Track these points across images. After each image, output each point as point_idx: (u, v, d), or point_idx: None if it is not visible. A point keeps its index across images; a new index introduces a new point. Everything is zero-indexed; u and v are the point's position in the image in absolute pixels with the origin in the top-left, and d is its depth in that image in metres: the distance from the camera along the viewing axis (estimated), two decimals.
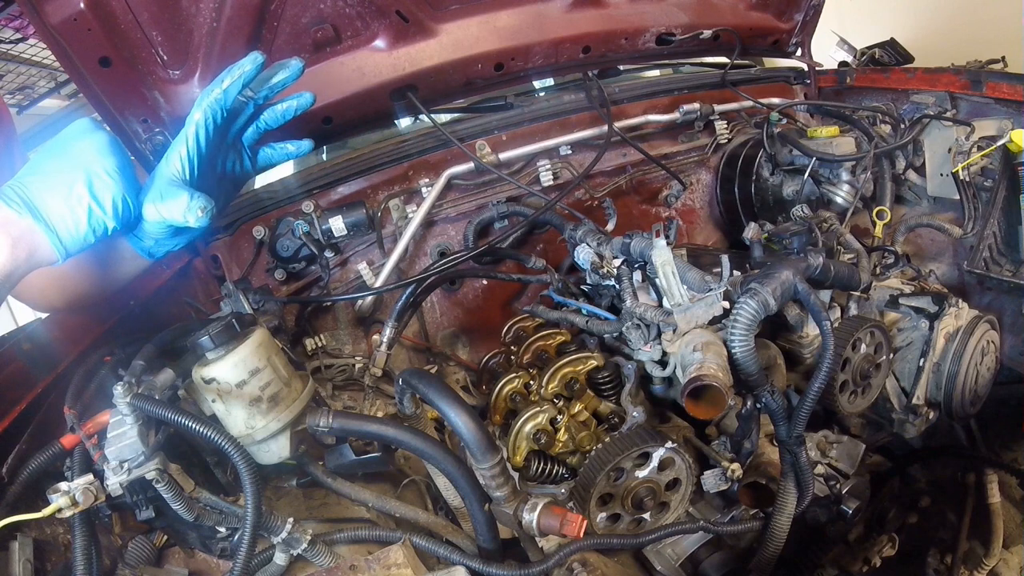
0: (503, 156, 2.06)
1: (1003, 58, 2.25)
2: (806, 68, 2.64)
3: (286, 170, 2.21)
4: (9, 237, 0.90)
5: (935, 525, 1.80)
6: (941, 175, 2.17)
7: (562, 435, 1.51)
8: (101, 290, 1.24)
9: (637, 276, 1.55)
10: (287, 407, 1.17)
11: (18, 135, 1.32)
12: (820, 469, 1.57)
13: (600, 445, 1.42)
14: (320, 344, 1.84)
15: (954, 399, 1.76)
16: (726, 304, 1.40)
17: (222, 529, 1.11)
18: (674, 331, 1.41)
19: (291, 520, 1.08)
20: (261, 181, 2.13)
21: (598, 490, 1.37)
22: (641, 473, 1.40)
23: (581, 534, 1.14)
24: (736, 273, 1.44)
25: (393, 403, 1.57)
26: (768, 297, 1.37)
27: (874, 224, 2.08)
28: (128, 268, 1.19)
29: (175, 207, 0.99)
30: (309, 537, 1.10)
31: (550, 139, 2.13)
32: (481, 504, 1.21)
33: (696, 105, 2.31)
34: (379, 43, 1.87)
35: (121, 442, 0.97)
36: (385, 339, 1.72)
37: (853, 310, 1.76)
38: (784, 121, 2.30)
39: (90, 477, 0.94)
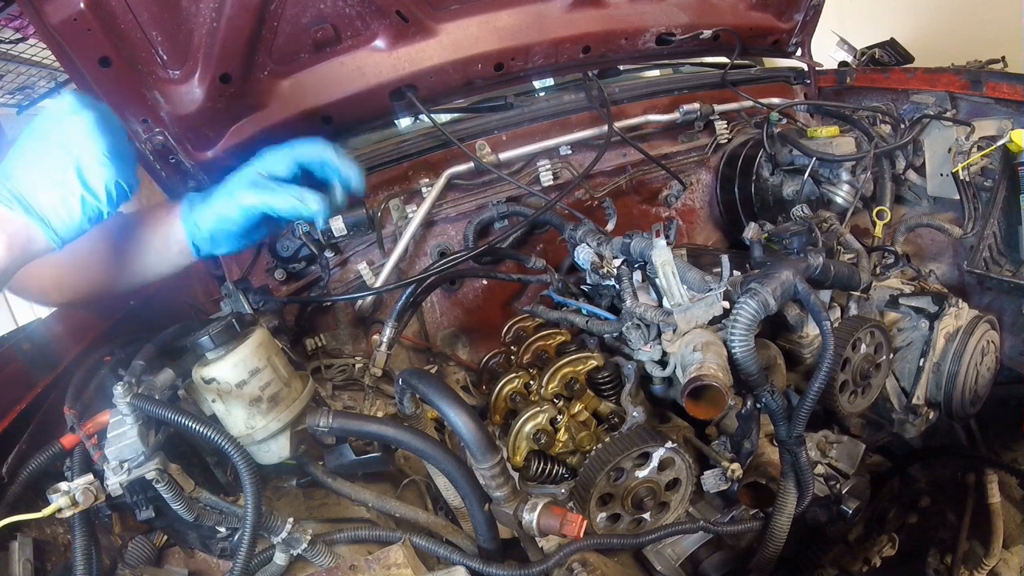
0: (503, 156, 2.06)
1: (1003, 58, 2.24)
2: (806, 68, 2.64)
3: None
4: (4, 234, 0.90)
5: (935, 525, 1.80)
6: (941, 175, 2.17)
7: (562, 435, 1.51)
8: (142, 278, 1.28)
9: (637, 276, 1.55)
10: (287, 407, 1.17)
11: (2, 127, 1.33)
12: (820, 469, 1.57)
13: (600, 445, 1.42)
14: (320, 344, 1.84)
15: (954, 399, 1.76)
16: (726, 304, 1.41)
17: (222, 529, 1.11)
18: (674, 331, 1.41)
19: (291, 520, 1.08)
20: None
21: (598, 490, 1.37)
22: (641, 473, 1.40)
23: (581, 534, 1.14)
24: (736, 273, 1.44)
25: (393, 403, 1.57)
26: (768, 297, 1.37)
27: (874, 224, 2.08)
28: (173, 261, 1.24)
29: (306, 203, 1.12)
30: (309, 537, 1.10)
31: (550, 139, 2.13)
32: (481, 504, 1.21)
33: (696, 105, 2.30)
34: (379, 43, 1.87)
35: (121, 442, 0.97)
36: (385, 339, 1.72)
37: (853, 310, 1.76)
38: (784, 121, 2.30)
39: (90, 477, 0.94)
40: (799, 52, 2.63)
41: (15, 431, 1.06)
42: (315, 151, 1.18)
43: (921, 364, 1.77)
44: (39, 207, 0.91)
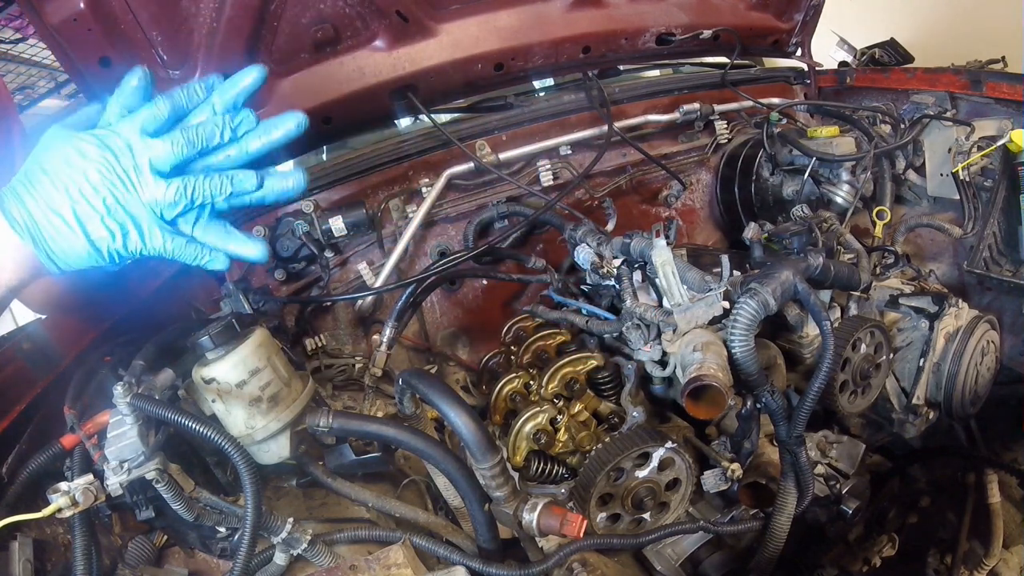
0: (503, 156, 2.06)
1: (1003, 58, 2.24)
2: (806, 68, 2.64)
3: (286, 170, 2.20)
4: (13, 261, 0.85)
5: (935, 525, 1.80)
6: (941, 175, 2.17)
7: (562, 435, 1.51)
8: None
9: (637, 276, 1.55)
10: (287, 407, 1.17)
11: (22, 123, 1.30)
12: (820, 469, 1.57)
13: (600, 445, 1.42)
14: (320, 344, 1.83)
15: (954, 399, 1.76)
16: (726, 304, 1.40)
17: (222, 529, 1.11)
18: (674, 331, 1.41)
19: (291, 520, 1.08)
20: None
21: (598, 490, 1.37)
22: (641, 473, 1.40)
23: (581, 534, 1.14)
24: (736, 273, 1.44)
25: (393, 403, 1.57)
26: (768, 297, 1.37)
27: (874, 224, 2.08)
28: None
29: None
30: (309, 537, 1.10)
31: (550, 139, 2.13)
32: (481, 504, 1.21)
33: (696, 105, 2.31)
34: (379, 43, 1.87)
35: (121, 442, 0.97)
36: (385, 339, 1.72)
37: (853, 310, 1.76)
38: (784, 121, 2.30)
39: (90, 477, 0.94)
40: (799, 52, 2.63)
41: (15, 431, 1.06)
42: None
43: (921, 364, 1.77)
44: (47, 240, 0.84)
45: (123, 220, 0.85)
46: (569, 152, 2.17)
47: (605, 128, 2.09)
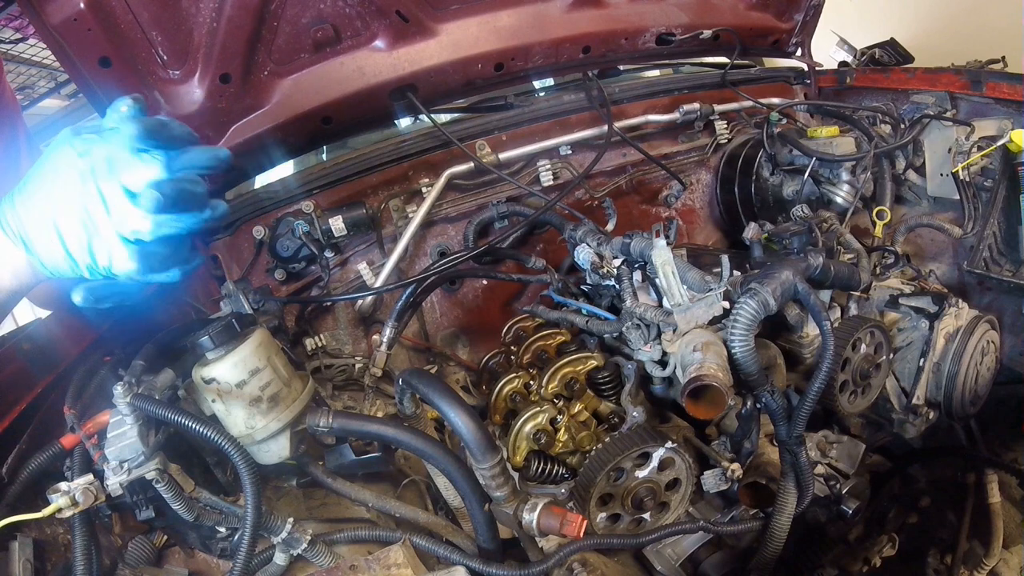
0: (503, 156, 2.06)
1: (1003, 58, 2.24)
2: (806, 68, 2.64)
3: (286, 170, 2.20)
4: (11, 266, 0.87)
5: (935, 525, 1.80)
6: (941, 175, 2.17)
7: (562, 435, 1.51)
8: None
9: (637, 276, 1.55)
10: (287, 407, 1.17)
11: (26, 125, 1.30)
12: (820, 469, 1.57)
13: (600, 445, 1.42)
14: (320, 344, 1.84)
15: (954, 399, 1.76)
16: (726, 304, 1.41)
17: (222, 529, 1.11)
18: (674, 331, 1.41)
19: (291, 520, 1.08)
20: (261, 181, 2.13)
21: (598, 490, 1.37)
22: (641, 473, 1.40)
23: (581, 534, 1.14)
24: (736, 273, 1.44)
25: (393, 403, 1.57)
26: (768, 297, 1.37)
27: (874, 224, 2.08)
28: None
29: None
30: (309, 537, 1.10)
31: (550, 139, 2.13)
32: (481, 504, 1.21)
33: (696, 105, 2.31)
34: (379, 43, 1.87)
35: (121, 442, 0.97)
36: (385, 339, 1.72)
37: (853, 310, 1.76)
38: (784, 121, 2.30)
39: (90, 477, 0.95)
40: (799, 52, 2.63)
41: (15, 431, 1.06)
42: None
43: (921, 364, 1.77)
44: (34, 248, 0.85)
45: (97, 240, 0.84)
46: (569, 152, 2.17)
47: (605, 128, 2.09)
